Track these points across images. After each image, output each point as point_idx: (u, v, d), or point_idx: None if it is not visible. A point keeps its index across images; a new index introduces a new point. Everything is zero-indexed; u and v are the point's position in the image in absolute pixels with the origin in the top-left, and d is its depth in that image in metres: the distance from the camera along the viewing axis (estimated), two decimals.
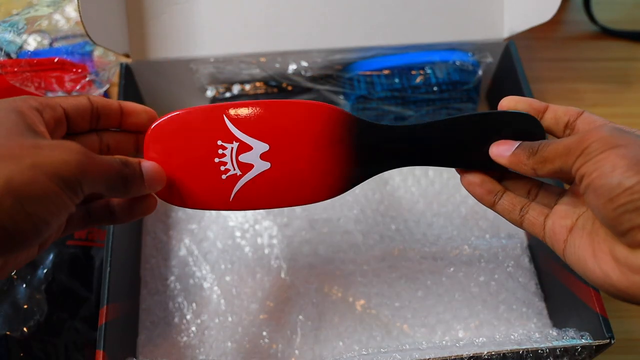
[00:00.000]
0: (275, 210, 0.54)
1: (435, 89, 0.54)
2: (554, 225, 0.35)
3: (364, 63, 0.55)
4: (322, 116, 0.35)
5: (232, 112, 0.35)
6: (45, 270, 0.46)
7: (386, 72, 0.54)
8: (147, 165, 0.33)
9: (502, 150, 0.36)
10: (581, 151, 0.31)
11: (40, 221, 0.26)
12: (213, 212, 0.54)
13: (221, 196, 0.35)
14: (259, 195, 0.36)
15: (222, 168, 0.35)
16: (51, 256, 0.46)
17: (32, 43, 0.58)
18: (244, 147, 0.35)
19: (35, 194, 0.26)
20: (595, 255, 0.32)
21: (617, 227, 0.29)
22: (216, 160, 0.35)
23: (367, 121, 0.36)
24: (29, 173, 0.26)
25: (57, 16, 0.60)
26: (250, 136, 0.35)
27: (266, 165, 0.35)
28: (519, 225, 0.37)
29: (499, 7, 0.54)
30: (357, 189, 0.54)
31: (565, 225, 0.35)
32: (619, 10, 0.72)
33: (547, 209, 0.36)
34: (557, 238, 0.35)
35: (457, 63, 0.54)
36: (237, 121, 0.35)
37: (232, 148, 0.35)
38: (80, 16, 0.46)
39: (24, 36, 0.56)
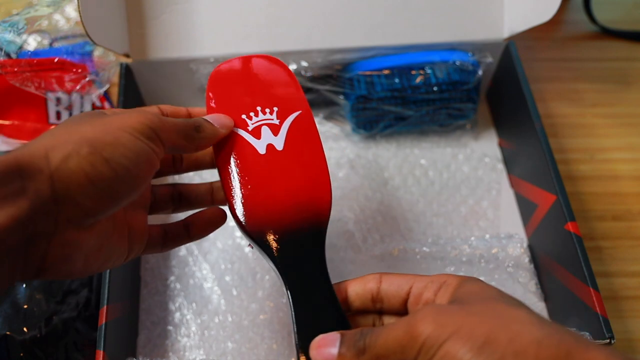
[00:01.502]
0: None
1: (435, 89, 0.54)
2: None
3: (364, 63, 0.55)
4: None
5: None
6: None
7: (386, 72, 0.54)
8: (213, 115, 0.37)
9: (323, 350, 0.30)
10: (418, 350, 0.28)
11: (117, 166, 0.29)
12: None
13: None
14: (257, 173, 0.36)
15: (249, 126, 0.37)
16: None
17: (32, 43, 0.58)
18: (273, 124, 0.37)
19: (108, 141, 0.29)
20: None
21: None
22: (243, 116, 0.37)
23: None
24: (102, 128, 0.29)
25: (57, 16, 0.60)
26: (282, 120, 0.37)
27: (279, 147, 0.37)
28: None
29: (499, 7, 0.54)
30: (358, 189, 0.54)
31: None
32: (619, 10, 0.72)
33: None
34: None
35: (457, 63, 0.54)
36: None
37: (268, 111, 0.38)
38: (80, 16, 0.46)
39: (24, 36, 0.56)
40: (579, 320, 0.43)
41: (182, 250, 0.52)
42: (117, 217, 0.32)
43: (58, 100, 0.54)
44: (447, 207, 0.55)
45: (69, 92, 0.53)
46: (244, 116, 0.37)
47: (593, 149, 0.60)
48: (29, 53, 0.56)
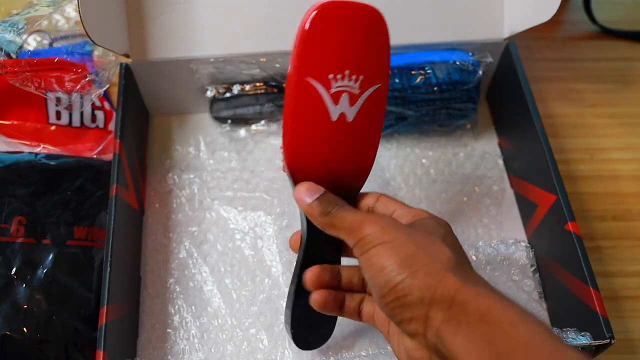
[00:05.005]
0: (276, 211, 0.54)
1: (435, 89, 0.54)
2: (377, 313, 0.40)
3: None
4: None
5: None
6: (45, 270, 0.45)
7: None
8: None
9: (303, 194, 0.38)
10: (357, 240, 0.35)
11: None
12: (213, 214, 0.54)
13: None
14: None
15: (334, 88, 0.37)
16: (51, 256, 0.46)
17: (32, 43, 0.58)
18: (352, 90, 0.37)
19: None
20: (397, 342, 0.36)
21: (392, 320, 0.34)
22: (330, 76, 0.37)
23: None
24: None
25: (57, 16, 0.60)
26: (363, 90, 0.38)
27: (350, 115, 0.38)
28: (360, 320, 0.41)
29: (499, 7, 0.54)
30: None
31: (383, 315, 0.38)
32: (619, 10, 0.72)
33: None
34: (382, 324, 0.39)
35: (457, 63, 0.54)
36: None
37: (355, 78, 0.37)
38: (80, 16, 0.46)
39: (24, 36, 0.56)
40: (579, 320, 0.43)
41: (182, 252, 0.52)
42: None
43: (58, 100, 0.54)
44: (450, 205, 0.55)
45: (69, 92, 0.53)
46: (330, 76, 0.36)
47: (593, 149, 0.60)
48: (29, 53, 0.56)
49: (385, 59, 0.38)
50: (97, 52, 0.57)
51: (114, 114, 0.55)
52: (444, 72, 0.54)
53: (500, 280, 0.50)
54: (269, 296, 0.50)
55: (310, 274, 0.40)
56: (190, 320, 0.48)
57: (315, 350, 0.46)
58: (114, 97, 0.59)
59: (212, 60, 0.53)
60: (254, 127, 0.59)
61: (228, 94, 0.56)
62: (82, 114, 0.56)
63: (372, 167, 0.41)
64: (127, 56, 0.52)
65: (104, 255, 0.43)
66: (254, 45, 0.53)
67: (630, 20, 0.70)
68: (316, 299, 0.39)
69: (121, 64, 0.52)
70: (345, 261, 0.42)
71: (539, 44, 0.68)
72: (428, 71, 0.54)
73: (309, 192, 0.37)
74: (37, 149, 0.54)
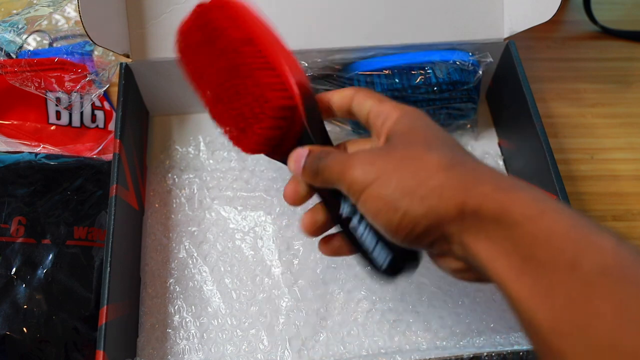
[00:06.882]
0: (276, 211, 0.54)
1: (435, 89, 0.54)
2: None
3: (364, 63, 0.55)
4: None
5: None
6: (45, 270, 0.46)
7: (386, 72, 0.54)
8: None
9: (297, 166, 0.36)
10: (347, 190, 0.33)
11: None
12: (213, 214, 0.54)
13: None
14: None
15: None
16: (51, 256, 0.46)
17: (32, 43, 0.58)
18: None
19: None
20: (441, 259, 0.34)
21: (414, 246, 0.32)
22: None
23: None
24: None
25: (57, 16, 0.60)
26: None
27: None
28: None
29: (499, 7, 0.54)
30: None
31: None
32: (619, 10, 0.72)
33: None
34: None
35: (457, 63, 0.54)
36: None
37: None
38: (80, 16, 0.46)
39: (24, 36, 0.56)
40: None
41: (182, 252, 0.52)
42: None
43: (58, 100, 0.54)
44: None
45: (68, 92, 0.53)
46: None
47: (593, 149, 0.60)
48: (29, 53, 0.56)
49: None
50: (97, 52, 0.57)
51: (114, 114, 0.55)
52: (444, 72, 0.54)
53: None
54: (269, 296, 0.50)
55: (304, 224, 0.38)
56: (190, 320, 0.48)
57: (315, 351, 0.46)
58: (114, 97, 0.59)
59: None
60: None
61: None
62: (82, 114, 0.56)
63: None
64: (127, 56, 0.52)
65: (104, 255, 0.43)
66: None
67: (630, 20, 0.70)
68: (306, 223, 0.38)
69: (121, 64, 0.52)
70: None
71: (539, 44, 0.68)
72: (428, 71, 0.54)
73: (298, 158, 0.36)
74: (37, 149, 0.54)
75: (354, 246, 0.37)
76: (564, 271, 0.25)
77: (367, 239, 0.36)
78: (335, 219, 0.37)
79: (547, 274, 0.25)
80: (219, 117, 0.39)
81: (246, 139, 0.37)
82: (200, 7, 0.38)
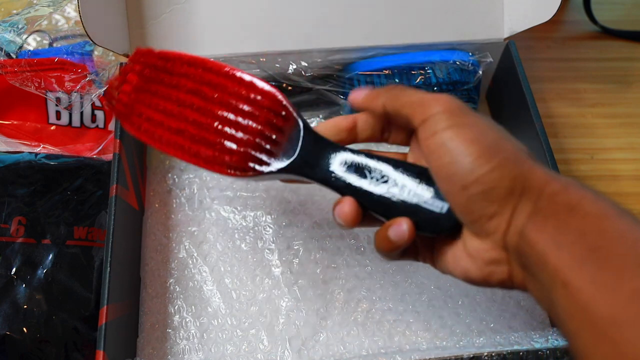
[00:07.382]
0: (277, 211, 0.54)
1: (435, 89, 0.54)
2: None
3: (364, 63, 0.55)
4: None
5: None
6: (45, 270, 0.46)
7: (386, 72, 0.54)
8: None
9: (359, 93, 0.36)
10: (423, 119, 0.31)
11: None
12: (213, 214, 0.54)
13: None
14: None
15: None
16: (51, 256, 0.46)
17: (32, 43, 0.58)
18: None
19: None
20: (453, 255, 0.33)
21: (468, 215, 0.30)
22: None
23: None
24: None
25: (57, 16, 0.60)
26: None
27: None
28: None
29: (499, 7, 0.54)
30: None
31: None
32: (619, 10, 0.72)
33: None
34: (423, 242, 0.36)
35: (457, 63, 0.54)
36: None
37: None
38: (80, 16, 0.46)
39: (24, 36, 0.56)
40: None
41: (182, 252, 0.52)
42: None
43: (58, 100, 0.54)
44: None
45: (68, 92, 0.53)
46: None
47: (593, 149, 0.60)
48: (29, 53, 0.56)
49: None
50: (97, 52, 0.57)
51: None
52: (444, 72, 0.54)
53: (500, 291, 0.50)
54: (269, 296, 0.50)
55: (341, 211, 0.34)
56: (190, 320, 0.48)
57: (315, 351, 0.46)
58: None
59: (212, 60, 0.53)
60: None
61: None
62: (82, 114, 0.56)
63: None
64: (127, 56, 0.52)
65: (104, 255, 0.43)
66: (254, 45, 0.53)
67: (630, 20, 0.70)
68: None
69: (121, 64, 0.52)
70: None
71: (539, 44, 0.68)
72: (428, 71, 0.54)
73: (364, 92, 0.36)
74: (37, 149, 0.54)
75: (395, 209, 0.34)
76: (633, 265, 0.25)
77: (413, 194, 0.33)
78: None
79: (614, 266, 0.25)
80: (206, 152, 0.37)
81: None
82: (125, 67, 0.40)
